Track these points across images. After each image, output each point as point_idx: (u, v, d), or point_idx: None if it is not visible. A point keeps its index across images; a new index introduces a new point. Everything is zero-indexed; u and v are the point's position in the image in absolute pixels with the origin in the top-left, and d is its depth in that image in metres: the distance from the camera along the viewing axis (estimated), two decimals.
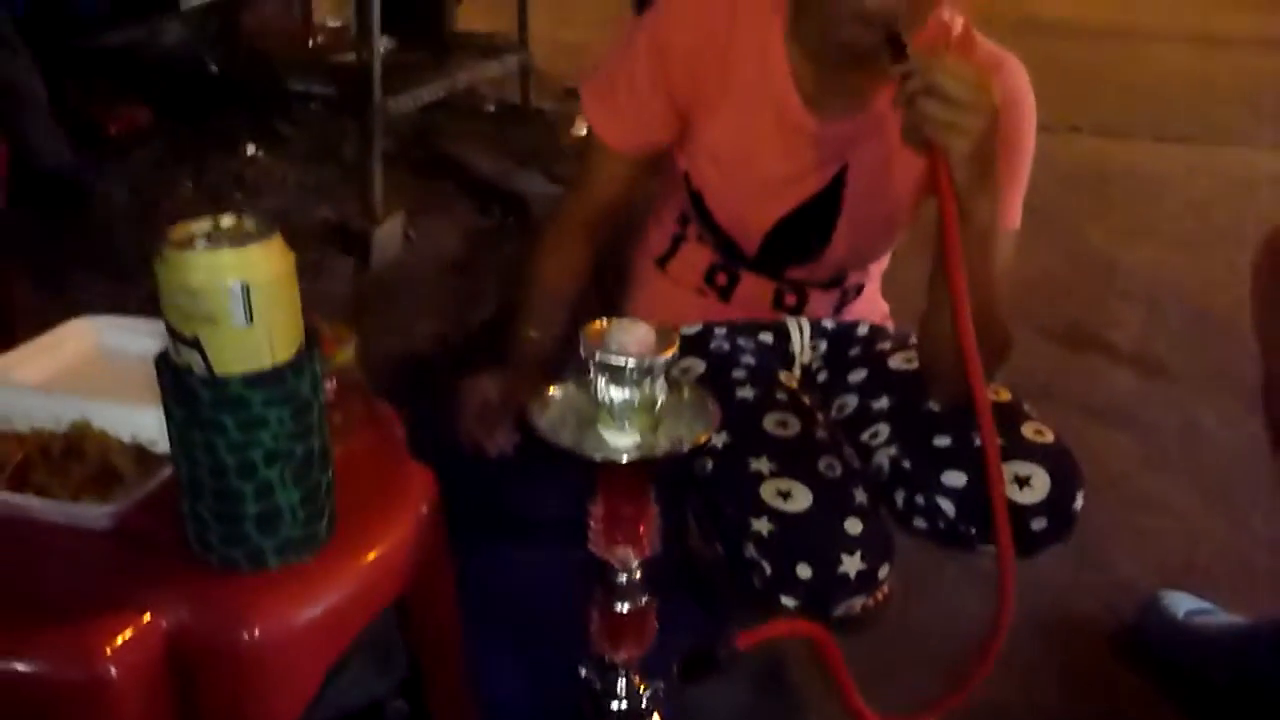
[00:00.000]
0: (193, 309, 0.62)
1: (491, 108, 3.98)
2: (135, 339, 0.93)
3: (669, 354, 0.78)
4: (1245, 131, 4.87)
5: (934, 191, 1.02)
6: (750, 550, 1.13)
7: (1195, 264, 3.09)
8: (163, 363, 0.66)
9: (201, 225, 0.65)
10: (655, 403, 0.80)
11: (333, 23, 3.88)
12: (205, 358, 0.63)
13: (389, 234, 2.62)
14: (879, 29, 1.06)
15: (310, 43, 3.62)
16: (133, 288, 2.16)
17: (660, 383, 0.80)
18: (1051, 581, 1.57)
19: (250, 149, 3.13)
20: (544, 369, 1.29)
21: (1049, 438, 1.19)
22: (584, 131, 3.82)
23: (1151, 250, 3.23)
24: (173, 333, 0.64)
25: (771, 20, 1.22)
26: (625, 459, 0.77)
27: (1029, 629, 1.55)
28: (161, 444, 0.79)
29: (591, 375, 0.80)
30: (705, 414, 0.83)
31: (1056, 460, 1.16)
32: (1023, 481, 1.14)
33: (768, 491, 1.13)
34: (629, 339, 0.79)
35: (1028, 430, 1.19)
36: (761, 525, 1.11)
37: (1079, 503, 1.17)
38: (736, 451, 1.18)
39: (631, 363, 0.77)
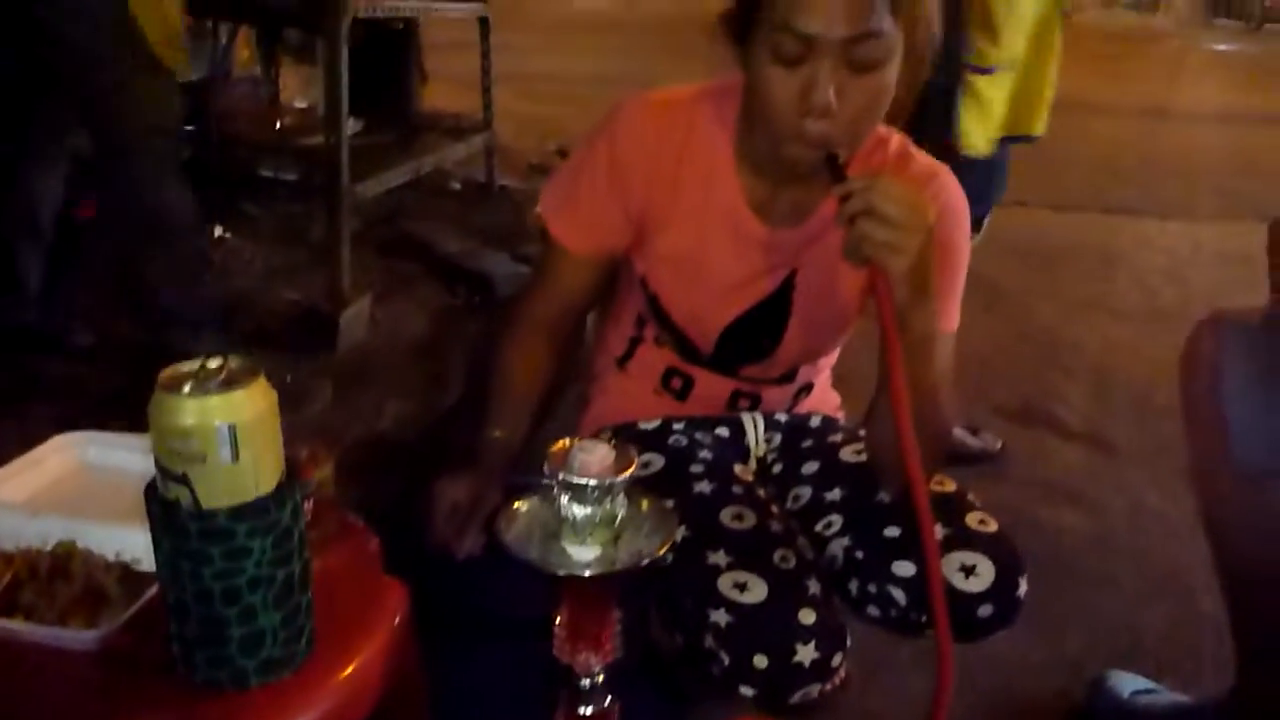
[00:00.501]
0: (183, 448, 0.67)
1: (457, 185, 4.07)
2: (116, 454, 0.98)
3: (628, 473, 0.84)
4: (1188, 204, 5.05)
5: (875, 304, 1.08)
6: (709, 641, 1.17)
7: (1141, 340, 3.20)
8: (152, 495, 0.70)
9: (190, 368, 0.70)
10: (615, 518, 0.85)
11: (300, 104, 3.97)
12: (193, 493, 0.67)
13: (356, 317, 2.67)
14: (819, 150, 1.13)
15: (278, 124, 3.69)
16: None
17: (620, 499, 0.85)
18: (1002, 661, 1.62)
19: (219, 230, 3.18)
20: (510, 468, 1.34)
21: (992, 527, 1.24)
22: None
23: (1099, 326, 3.34)
24: (162, 469, 0.68)
25: (721, 136, 1.29)
26: (587, 573, 0.82)
27: (981, 707, 1.60)
28: (146, 562, 0.83)
29: (555, 492, 0.85)
30: (664, 526, 0.88)
31: (1000, 549, 1.21)
32: (968, 570, 1.19)
33: (725, 584, 1.17)
34: (590, 459, 0.85)
35: (972, 520, 1.24)
36: (719, 617, 1.15)
37: (1023, 589, 1.22)
38: (695, 545, 1.22)
39: (593, 482, 0.83)
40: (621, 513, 0.86)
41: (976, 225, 2.02)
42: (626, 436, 1.43)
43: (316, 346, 2.56)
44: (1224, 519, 1.37)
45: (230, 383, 0.68)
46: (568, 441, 0.87)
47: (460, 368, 2.66)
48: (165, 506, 0.69)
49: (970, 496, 1.29)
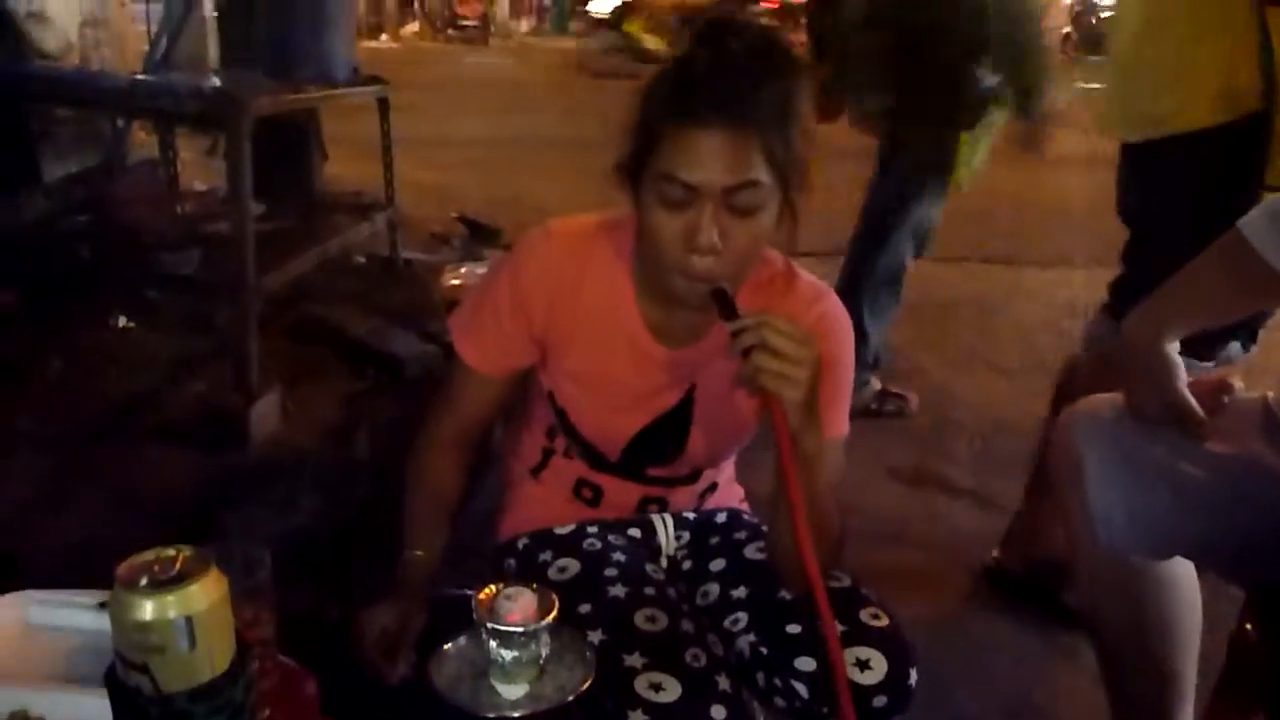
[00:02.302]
0: (142, 640, 0.73)
1: (361, 260, 4.11)
2: (59, 613, 1.02)
3: (550, 618, 0.92)
4: (1063, 250, 5.30)
5: (770, 430, 1.18)
6: None
7: (1021, 395, 3.38)
8: (113, 680, 0.76)
9: (145, 560, 0.76)
10: (540, 657, 0.94)
11: (200, 186, 3.97)
12: (154, 680, 0.73)
13: (266, 409, 2.69)
14: (705, 284, 1.23)
15: (179, 210, 3.69)
16: None
17: (544, 638, 0.94)
18: None
19: (121, 320, 3.17)
20: (431, 584, 1.41)
21: (884, 621, 1.34)
22: (454, 283, 3.98)
23: (982, 381, 3.52)
24: (122, 658, 0.74)
25: (619, 265, 1.39)
26: (516, 715, 0.90)
27: None
28: None
29: (484, 637, 0.93)
30: (584, 660, 0.97)
31: (891, 643, 1.32)
32: (863, 664, 1.29)
33: (641, 685, 1.25)
34: (515, 606, 0.93)
35: (865, 615, 1.34)
36: (637, 717, 1.23)
37: (913, 679, 1.32)
38: (611, 647, 1.30)
39: (519, 629, 0.91)
40: (545, 651, 0.94)
41: None
42: (543, 541, 1.51)
43: (227, 441, 2.58)
44: (1094, 594, 1.51)
45: (184, 575, 0.74)
46: (493, 589, 0.95)
47: (373, 454, 2.71)
48: (126, 693, 0.74)
49: (864, 591, 1.39)
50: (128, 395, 2.81)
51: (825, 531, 1.26)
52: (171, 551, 0.77)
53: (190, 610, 0.73)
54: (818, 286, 1.44)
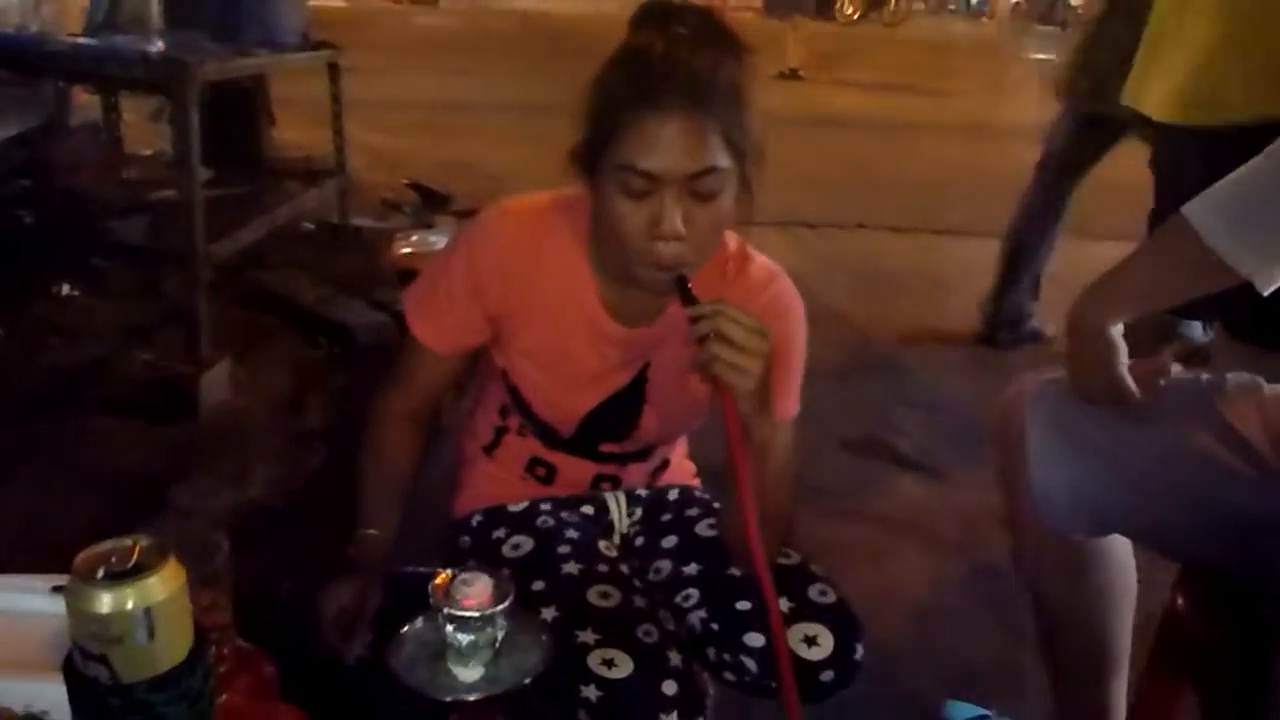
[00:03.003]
0: (100, 632, 0.73)
1: (310, 227, 4.06)
2: (13, 598, 1.01)
3: (506, 603, 0.94)
4: (1007, 221, 5.35)
5: (721, 418, 1.20)
6: (581, 714, 1.27)
7: (969, 367, 3.44)
8: (71, 671, 0.76)
9: (101, 550, 0.76)
10: (496, 640, 0.95)
11: (145, 151, 3.90)
12: (112, 670, 0.74)
13: (217, 379, 2.67)
14: (671, 271, 1.25)
15: (124, 175, 3.62)
16: None
17: (500, 622, 0.95)
18: (844, 698, 1.75)
19: (65, 288, 3.11)
20: (387, 561, 1.42)
21: (832, 597, 1.38)
22: (405, 250, 3.96)
23: (932, 353, 3.58)
24: (80, 649, 0.74)
25: (574, 244, 1.40)
26: (472, 697, 0.92)
27: None
28: (55, 712, 0.88)
29: (440, 620, 0.95)
30: (540, 643, 0.99)
31: (838, 619, 1.35)
32: (810, 640, 1.33)
33: (594, 660, 1.27)
34: (471, 591, 0.94)
35: (813, 592, 1.38)
36: (590, 692, 1.26)
37: (859, 653, 1.36)
38: (565, 624, 1.32)
39: (475, 613, 0.92)
40: (501, 634, 0.96)
41: None
42: (496, 518, 1.52)
43: (177, 412, 2.56)
44: (1035, 569, 1.55)
45: (142, 566, 0.75)
46: (449, 574, 0.97)
47: (325, 423, 2.70)
48: (85, 682, 0.75)
49: (812, 568, 1.42)
50: (73, 365, 2.77)
51: (775, 515, 1.29)
52: (128, 541, 0.77)
53: (149, 601, 0.74)
54: (770, 269, 1.45)
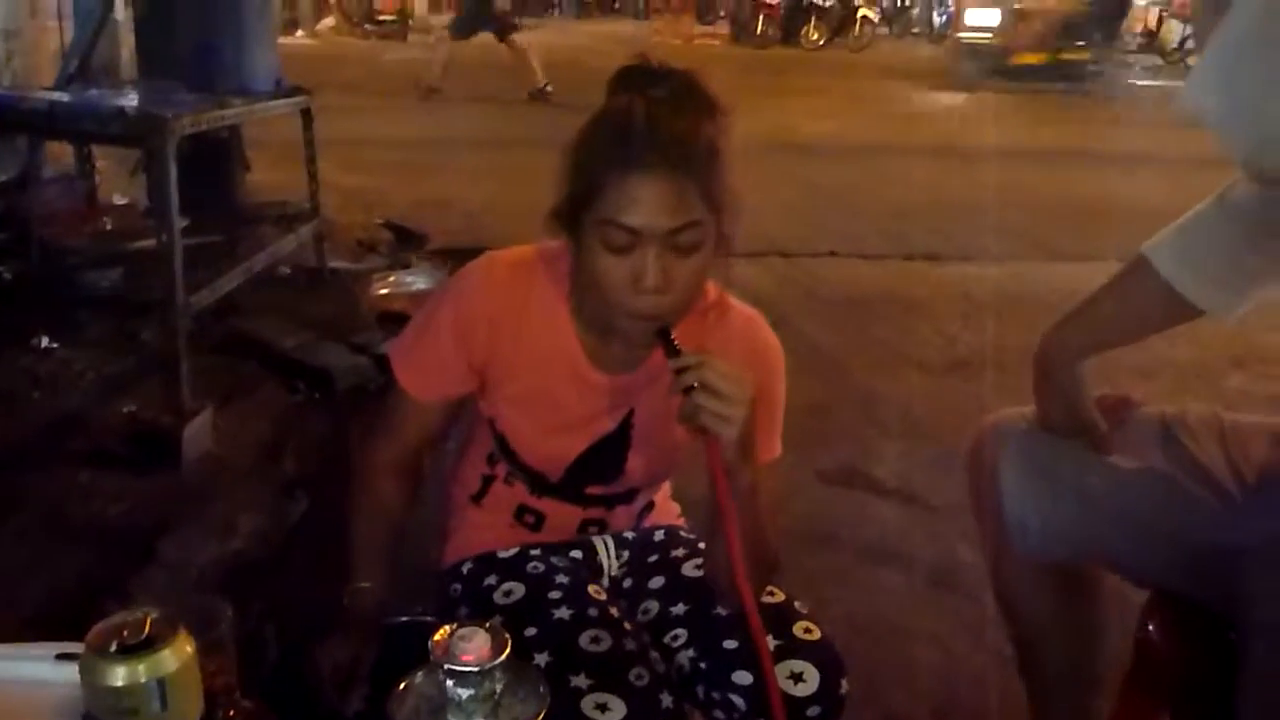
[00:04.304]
0: (116, 703, 0.76)
1: (286, 271, 4.08)
2: (19, 666, 1.04)
3: (503, 656, 0.97)
4: (978, 245, 5.45)
5: (707, 466, 1.24)
6: None
7: (943, 392, 3.50)
8: None
9: (114, 624, 0.79)
10: (495, 692, 0.98)
11: (119, 200, 3.91)
12: None
13: (199, 429, 2.68)
14: (652, 322, 1.29)
15: (100, 226, 3.63)
16: None
17: (498, 675, 0.98)
18: None
19: (44, 341, 3.12)
20: (381, 614, 1.44)
21: (816, 635, 1.42)
22: (382, 292, 3.98)
23: (905, 379, 3.63)
24: None
25: (557, 295, 1.44)
26: None
27: None
28: None
29: (440, 676, 0.98)
30: (537, 693, 1.01)
31: (823, 656, 1.39)
32: (796, 677, 1.36)
33: (587, 705, 1.30)
34: (469, 646, 0.97)
35: (798, 629, 1.41)
36: None
37: (844, 689, 1.39)
38: (558, 669, 1.35)
39: (474, 668, 0.95)
40: (499, 687, 0.99)
41: None
42: (487, 565, 1.55)
43: (159, 463, 2.57)
44: (1011, 596, 1.59)
45: (154, 639, 0.78)
46: (447, 630, 1.00)
47: (307, 469, 2.72)
48: None
49: (797, 604, 1.46)
50: (54, 417, 2.78)
51: (761, 555, 1.32)
52: (139, 614, 0.80)
53: (161, 673, 0.77)
54: (749, 315, 1.50)
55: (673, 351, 1.26)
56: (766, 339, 1.49)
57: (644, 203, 1.24)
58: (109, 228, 3.64)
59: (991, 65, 13.25)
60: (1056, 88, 12.94)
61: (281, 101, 3.58)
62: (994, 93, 12.19)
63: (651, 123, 1.25)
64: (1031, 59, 13.26)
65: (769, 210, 5.45)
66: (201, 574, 2.16)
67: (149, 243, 3.28)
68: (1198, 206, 1.33)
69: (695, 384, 1.20)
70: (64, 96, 3.09)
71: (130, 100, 2.96)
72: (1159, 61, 16.76)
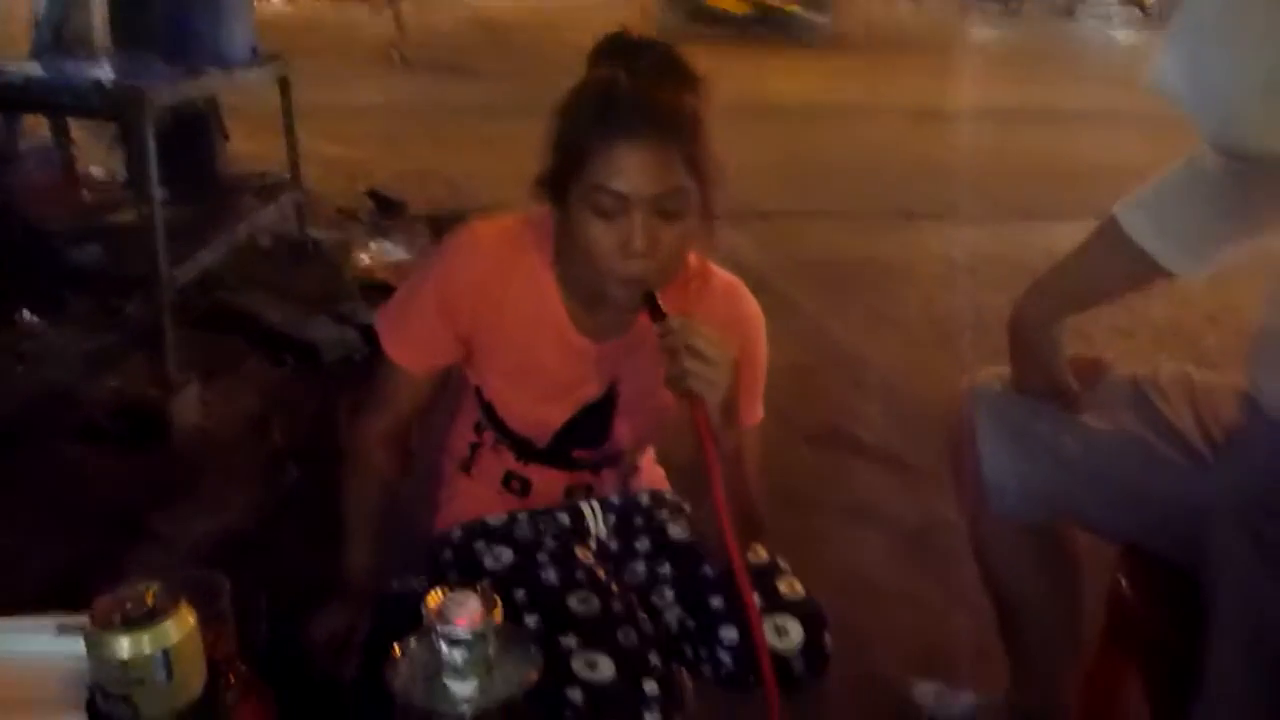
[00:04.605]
0: (123, 675, 0.78)
1: (267, 243, 4.07)
2: (21, 638, 1.06)
3: (495, 618, 1.00)
4: (955, 204, 5.46)
5: (694, 429, 1.27)
6: (568, 716, 1.34)
7: (922, 353, 3.53)
8: (94, 712, 0.81)
9: (118, 599, 0.82)
10: (488, 656, 1.01)
11: (98, 172, 3.88)
12: (135, 710, 0.79)
13: (186, 403, 2.70)
14: (639, 286, 1.32)
15: (80, 199, 3.60)
16: None
17: (491, 638, 1.01)
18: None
19: (27, 315, 3.11)
20: (375, 584, 1.48)
21: (800, 591, 1.45)
22: (365, 263, 3.98)
23: (885, 340, 3.66)
24: (104, 691, 0.80)
25: (543, 264, 1.47)
26: (469, 712, 0.98)
27: None
28: None
29: (434, 639, 1.01)
30: (529, 654, 1.05)
31: (807, 611, 1.43)
32: (781, 632, 1.40)
33: (577, 664, 1.34)
34: (462, 611, 1.00)
35: (783, 586, 1.45)
36: (575, 694, 1.32)
37: (828, 643, 1.43)
38: (548, 631, 1.38)
39: (467, 632, 0.98)
40: (493, 650, 1.02)
41: None
42: (476, 532, 1.58)
43: (148, 438, 2.58)
44: (989, 555, 1.64)
45: (157, 613, 0.80)
46: (441, 594, 1.02)
47: (297, 442, 2.74)
48: None
49: (781, 563, 1.50)
50: (41, 393, 2.78)
51: (747, 515, 1.36)
52: (141, 588, 0.82)
53: (166, 644, 0.80)
54: (731, 283, 1.53)
55: (658, 315, 1.29)
56: (748, 306, 1.52)
57: (631, 169, 1.27)
58: (88, 200, 3.61)
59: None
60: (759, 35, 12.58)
61: (258, 70, 3.56)
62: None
63: (637, 93, 1.28)
64: (731, 6, 12.86)
65: (746, 172, 5.38)
66: (194, 547, 2.18)
67: (129, 216, 3.29)
68: (1166, 171, 1.36)
69: (681, 348, 1.23)
70: (39, 69, 3.06)
71: (105, 72, 2.94)
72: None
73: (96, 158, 4.08)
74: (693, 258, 1.50)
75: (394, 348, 1.51)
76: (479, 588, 1.03)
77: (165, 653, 0.79)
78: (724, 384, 1.24)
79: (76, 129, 4.10)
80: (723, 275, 1.53)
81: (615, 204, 1.28)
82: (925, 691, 1.86)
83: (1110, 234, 1.41)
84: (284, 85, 3.85)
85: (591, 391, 1.53)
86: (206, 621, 0.97)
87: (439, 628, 0.99)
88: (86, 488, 2.39)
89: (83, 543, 2.17)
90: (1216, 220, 1.31)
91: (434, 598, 1.02)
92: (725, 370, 1.24)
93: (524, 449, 1.58)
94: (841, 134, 7.52)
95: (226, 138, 4.12)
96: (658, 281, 1.33)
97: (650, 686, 1.33)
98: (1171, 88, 1.06)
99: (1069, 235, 1.50)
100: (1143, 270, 1.40)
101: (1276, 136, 0.99)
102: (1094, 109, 8.39)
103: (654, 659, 1.38)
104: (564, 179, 1.33)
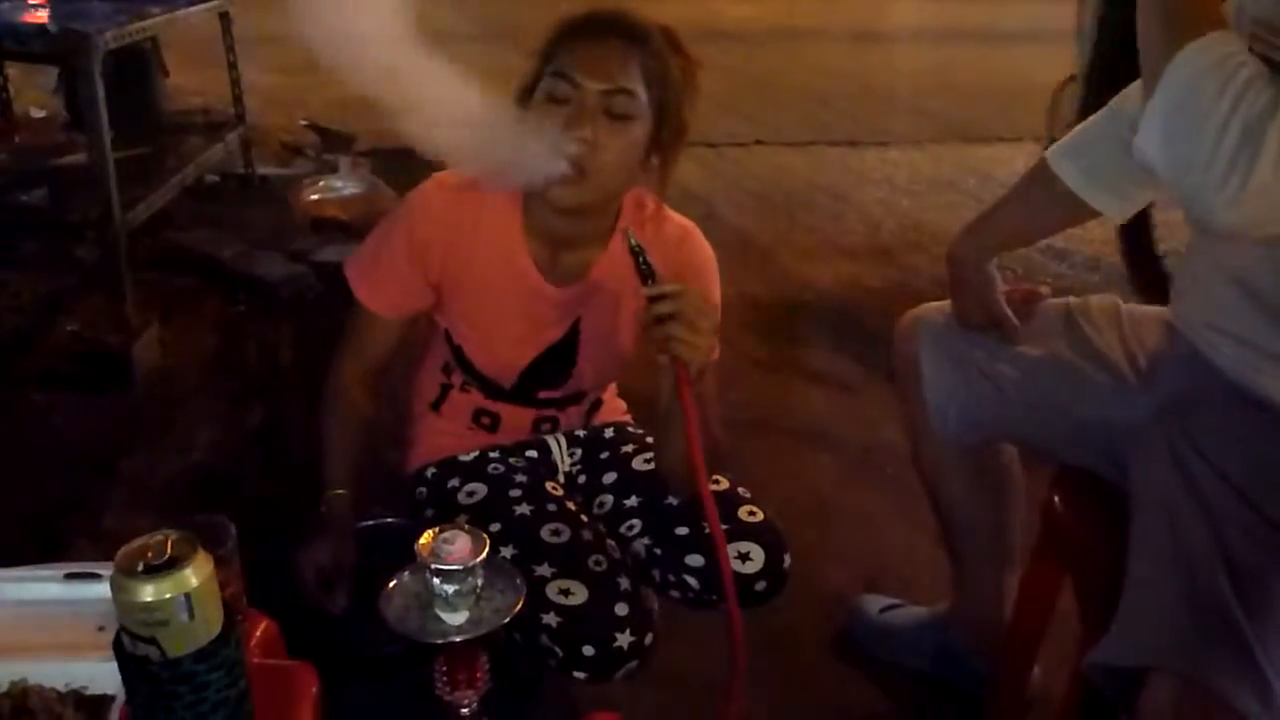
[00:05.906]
0: (147, 618, 0.85)
1: (215, 179, 4.04)
2: (31, 587, 1.12)
3: (483, 554, 1.08)
4: (898, 129, 5.54)
5: (675, 388, 1.33)
6: (544, 639, 1.42)
7: (868, 276, 3.62)
8: (121, 651, 0.88)
9: (138, 547, 0.88)
10: (476, 588, 1.10)
11: (37, 113, 3.81)
12: (161, 648, 0.86)
13: (147, 345, 2.71)
14: (574, 188, 1.39)
15: (15, 140, 3.54)
16: None
17: (479, 571, 1.09)
18: (773, 605, 1.94)
19: None
20: (356, 516, 1.55)
21: (760, 517, 1.55)
22: (313, 198, 3.96)
23: (832, 265, 3.75)
24: (130, 633, 0.87)
25: (510, 211, 1.52)
26: (459, 639, 1.06)
27: (759, 645, 1.91)
28: (93, 687, 1.01)
29: (427, 575, 1.09)
30: (514, 585, 1.13)
31: (767, 536, 1.52)
32: (744, 557, 1.50)
33: (551, 591, 1.43)
34: (452, 548, 1.08)
35: (743, 513, 1.54)
36: (550, 619, 1.41)
37: (787, 564, 1.53)
38: (522, 560, 1.47)
39: (459, 567, 1.06)
40: (480, 582, 1.10)
41: None
42: (449, 469, 1.65)
43: (110, 382, 2.60)
44: (933, 476, 1.74)
45: (177, 558, 0.87)
46: (431, 533, 1.10)
47: (259, 381, 2.77)
48: (136, 661, 0.87)
49: (741, 490, 1.59)
50: None
51: (707, 447, 1.44)
52: (160, 536, 0.89)
53: (187, 588, 0.86)
54: (685, 226, 1.60)
55: (649, 274, 1.32)
56: (703, 249, 1.59)
57: (588, 60, 1.38)
58: (28, 143, 3.55)
59: None
60: None
61: (201, 7, 3.50)
62: None
63: (616, 13, 1.41)
64: None
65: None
66: (165, 488, 2.23)
67: (74, 158, 3.25)
68: (1094, 116, 1.44)
69: (671, 313, 1.27)
70: None
71: (43, 12, 2.88)
72: None
73: (33, 96, 4.01)
74: (649, 200, 1.57)
75: (366, 294, 1.57)
76: (468, 528, 1.11)
77: (187, 596, 0.86)
78: (708, 351, 1.31)
79: (10, 68, 4.01)
80: (677, 219, 1.60)
81: (568, 89, 1.38)
82: (873, 603, 1.98)
83: (1041, 177, 1.50)
84: (225, 20, 3.79)
85: (554, 334, 1.60)
86: (216, 564, 1.04)
87: (431, 564, 1.07)
88: (52, 433, 2.42)
89: (52, 487, 2.20)
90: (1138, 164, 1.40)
91: (426, 537, 1.10)
92: (711, 338, 1.31)
93: (491, 389, 1.65)
94: (788, 59, 7.53)
95: (166, 74, 4.06)
96: (594, 196, 1.42)
97: (621, 608, 1.42)
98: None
99: (1004, 158, 1.58)
100: (1072, 211, 1.50)
101: (1233, 215, 1.04)
102: (1034, 28, 8.43)
103: (624, 583, 1.46)
104: (534, 80, 1.42)
